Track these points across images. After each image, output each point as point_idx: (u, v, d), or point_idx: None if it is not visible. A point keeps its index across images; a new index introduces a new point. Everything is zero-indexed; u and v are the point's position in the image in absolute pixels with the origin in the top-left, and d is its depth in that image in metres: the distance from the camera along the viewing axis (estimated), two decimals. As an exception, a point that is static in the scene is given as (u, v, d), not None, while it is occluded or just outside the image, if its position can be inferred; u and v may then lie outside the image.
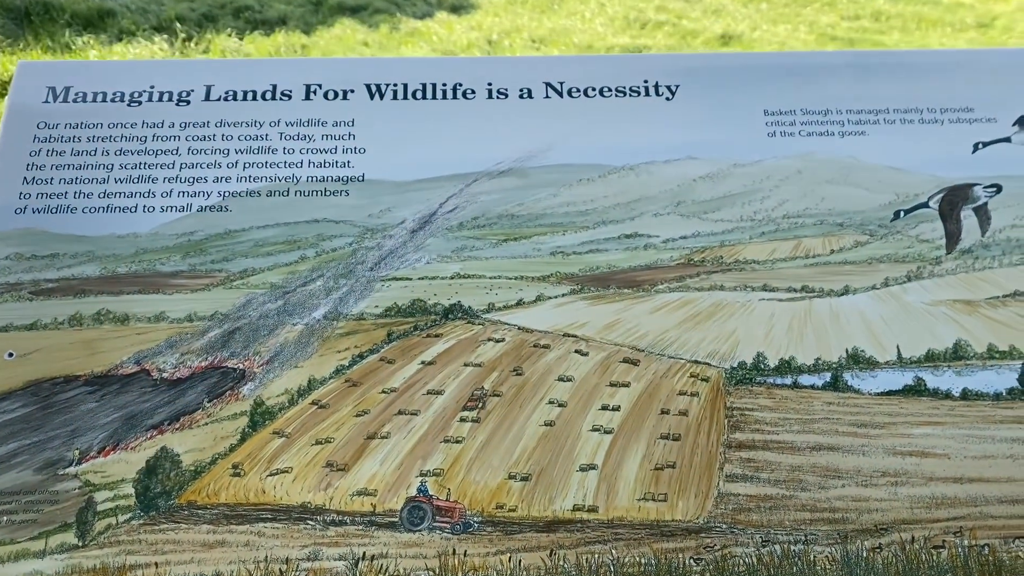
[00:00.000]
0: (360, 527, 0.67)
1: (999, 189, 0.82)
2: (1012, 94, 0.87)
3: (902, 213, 0.81)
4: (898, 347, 0.75)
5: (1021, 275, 0.79)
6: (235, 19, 5.72)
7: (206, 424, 0.71)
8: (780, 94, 0.85)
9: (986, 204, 0.82)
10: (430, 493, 0.69)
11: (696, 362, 0.75)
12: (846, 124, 0.84)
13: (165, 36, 5.18)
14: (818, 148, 0.84)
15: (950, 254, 0.81)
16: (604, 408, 0.73)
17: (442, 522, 0.68)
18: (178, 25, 5.46)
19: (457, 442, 0.71)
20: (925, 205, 0.81)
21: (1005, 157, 0.84)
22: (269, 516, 0.68)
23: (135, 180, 0.80)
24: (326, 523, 0.67)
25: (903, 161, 0.83)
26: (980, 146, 0.84)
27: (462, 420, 0.72)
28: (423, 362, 0.75)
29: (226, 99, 0.84)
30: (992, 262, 0.80)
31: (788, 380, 0.74)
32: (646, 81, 0.85)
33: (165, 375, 0.74)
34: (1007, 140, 0.84)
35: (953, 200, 0.81)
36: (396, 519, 0.67)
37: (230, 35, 5.28)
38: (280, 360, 0.74)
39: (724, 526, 0.67)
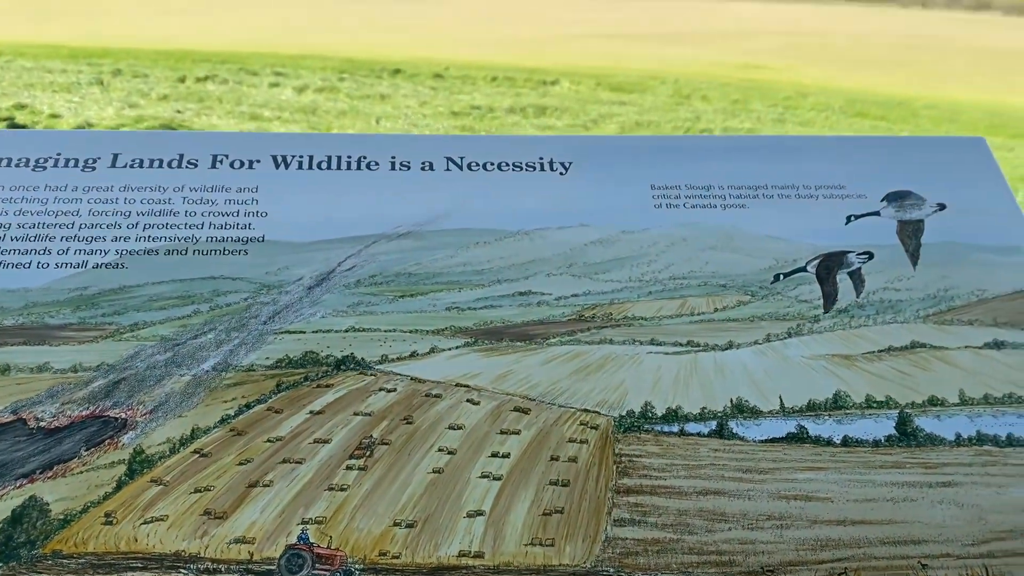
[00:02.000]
0: (236, 575, 0.64)
1: (871, 256, 0.88)
2: (879, 174, 0.95)
3: (782, 276, 0.86)
4: (781, 397, 0.77)
5: (893, 332, 0.83)
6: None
7: (81, 472, 0.69)
8: (666, 171, 0.92)
9: (860, 269, 0.87)
10: (311, 541, 0.66)
11: (586, 411, 0.76)
12: (727, 198, 0.90)
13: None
14: (702, 219, 0.89)
15: (827, 313, 0.85)
16: (494, 455, 0.73)
17: (322, 570, 0.65)
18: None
19: (342, 490, 0.69)
20: (803, 269, 0.86)
21: (876, 229, 0.90)
22: (139, 565, 0.64)
23: (32, 239, 0.81)
24: (200, 571, 0.64)
25: (781, 231, 0.89)
26: (852, 219, 0.91)
27: (348, 468, 0.71)
28: (312, 411, 0.75)
29: (132, 166, 0.87)
30: (867, 320, 0.84)
31: (675, 428, 0.75)
32: (542, 158, 0.91)
33: (43, 424, 0.72)
34: (877, 214, 0.91)
35: (829, 265, 0.86)
36: (274, 567, 0.65)
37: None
38: (164, 410, 0.73)
39: (611, 570, 0.65)
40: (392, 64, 16.84)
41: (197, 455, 0.71)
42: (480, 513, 0.68)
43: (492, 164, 0.91)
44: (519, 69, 17.48)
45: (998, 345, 0.83)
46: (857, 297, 0.86)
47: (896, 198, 0.92)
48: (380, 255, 0.83)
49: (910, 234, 0.89)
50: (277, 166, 0.88)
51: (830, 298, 0.85)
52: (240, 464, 0.71)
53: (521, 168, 0.91)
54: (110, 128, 7.61)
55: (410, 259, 0.83)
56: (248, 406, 0.74)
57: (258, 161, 0.88)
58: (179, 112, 8.86)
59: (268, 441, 0.72)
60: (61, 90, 10.91)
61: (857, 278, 0.86)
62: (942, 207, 0.92)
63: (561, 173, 0.91)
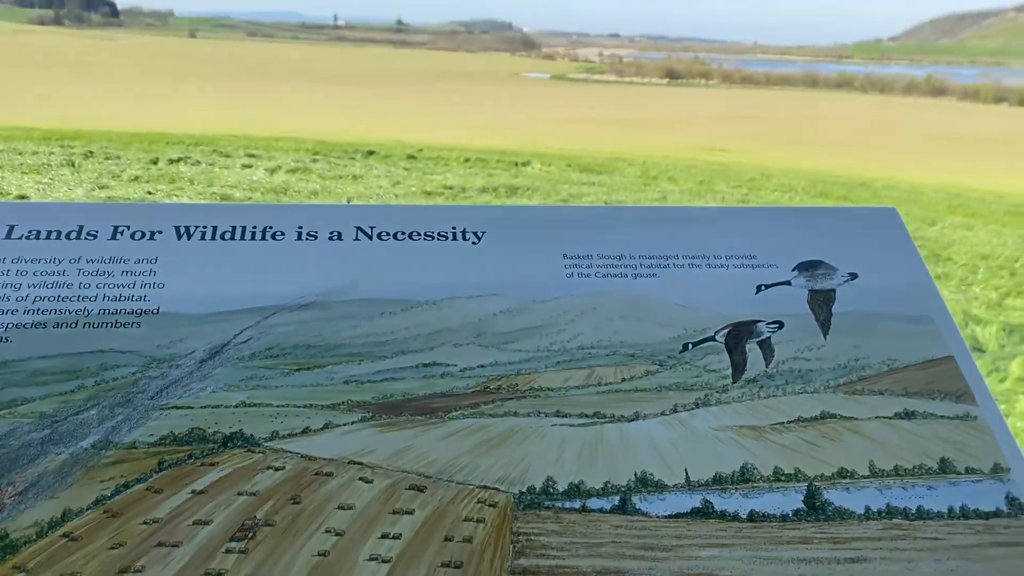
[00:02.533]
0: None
1: (781, 325, 0.87)
2: (791, 244, 0.95)
3: (690, 346, 0.85)
4: (686, 470, 0.75)
5: (803, 403, 0.82)
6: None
7: (-64, 561, 0.64)
8: (579, 241, 0.91)
9: (769, 338, 0.86)
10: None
11: (485, 487, 0.73)
12: (639, 267, 0.90)
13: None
14: (613, 288, 0.88)
15: (736, 383, 0.83)
16: (384, 536, 0.69)
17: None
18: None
19: (220, 575, 0.65)
20: (712, 339, 0.85)
21: (786, 298, 0.90)
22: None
23: None
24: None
25: (691, 300, 0.88)
26: (763, 288, 0.90)
27: (228, 552, 0.67)
28: (193, 491, 0.71)
29: (28, 238, 0.85)
30: (776, 390, 0.83)
31: (577, 504, 0.72)
32: (455, 228, 0.90)
33: (-97, 508, 0.67)
34: (788, 283, 0.91)
35: (739, 334, 0.85)
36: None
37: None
38: (36, 491, 0.69)
39: (501, 659, 0.61)
40: (366, 145, 17.10)
41: (66, 539, 0.67)
42: (365, 599, 0.64)
43: (403, 234, 0.90)
44: (491, 151, 17.82)
45: (908, 415, 0.81)
46: (766, 367, 0.84)
47: (807, 268, 0.92)
48: (279, 327, 0.80)
49: (821, 303, 0.89)
50: (180, 237, 0.86)
51: (739, 368, 0.83)
52: (111, 548, 0.66)
53: (433, 238, 0.90)
54: (79, 208, 7.58)
55: (310, 330, 0.81)
56: (126, 486, 0.70)
57: (160, 232, 0.86)
58: (150, 193, 8.88)
59: (144, 523, 0.68)
60: (31, 171, 10.94)
61: (767, 347, 0.85)
62: (853, 276, 0.92)
63: (473, 243, 0.90)
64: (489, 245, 0.89)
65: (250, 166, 12.25)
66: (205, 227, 0.87)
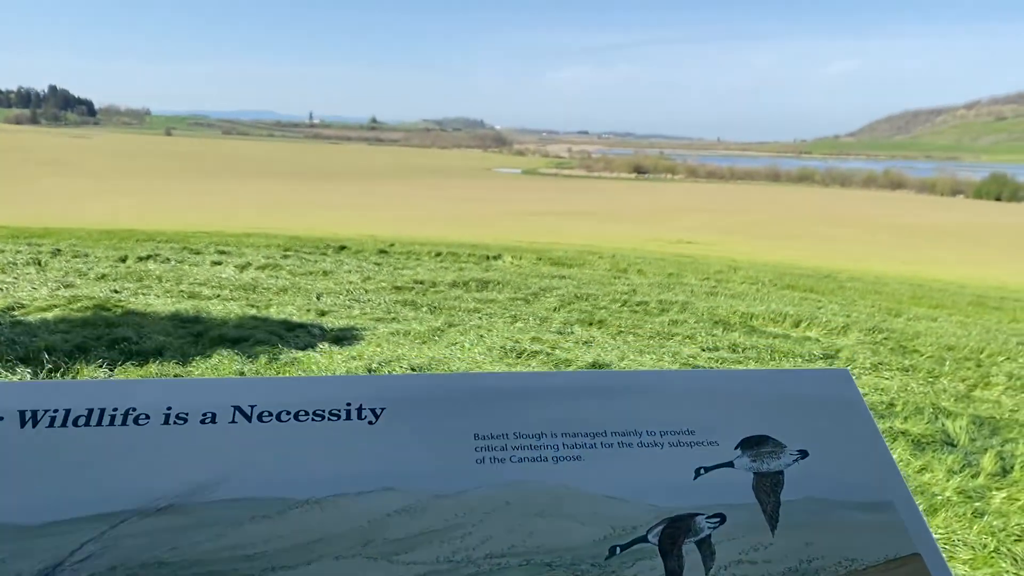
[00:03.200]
0: None
1: (723, 520, 0.75)
2: (733, 416, 0.84)
3: (618, 549, 0.72)
4: None
5: (751, 618, 0.69)
6: (109, 350, 5.66)
7: None
8: (492, 418, 0.80)
9: (709, 536, 0.74)
10: None
11: None
12: (560, 448, 0.78)
13: (29, 368, 5.01)
14: (530, 476, 0.76)
15: (671, 595, 0.71)
16: None
17: None
18: (46, 356, 5.33)
19: None
20: (644, 539, 0.73)
21: (728, 484, 0.78)
22: None
23: None
24: None
25: (620, 489, 0.76)
26: (702, 471, 0.79)
27: None
28: None
29: None
30: (718, 604, 0.70)
31: None
32: (349, 404, 0.79)
33: None
34: (730, 464, 0.80)
35: (674, 533, 0.73)
36: None
37: (100, 366, 5.17)
38: None
39: None
40: (338, 240, 17.11)
41: None
42: None
43: (288, 413, 0.78)
44: (463, 244, 17.97)
45: (872, 634, 0.69)
46: (707, 573, 0.72)
47: (751, 446, 0.81)
48: (127, 539, 0.67)
49: (768, 490, 0.78)
50: (23, 424, 0.73)
51: (674, 575, 0.71)
52: None
53: (323, 417, 0.78)
54: (41, 308, 7.34)
55: (165, 543, 0.67)
56: None
57: (1, 419, 0.74)
58: (116, 292, 8.69)
59: None
60: (-6, 270, 10.66)
61: (707, 548, 0.73)
62: (804, 455, 0.82)
63: (370, 422, 0.78)
64: (387, 424, 0.77)
65: (220, 263, 12.13)
66: (56, 411, 0.74)
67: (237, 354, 5.64)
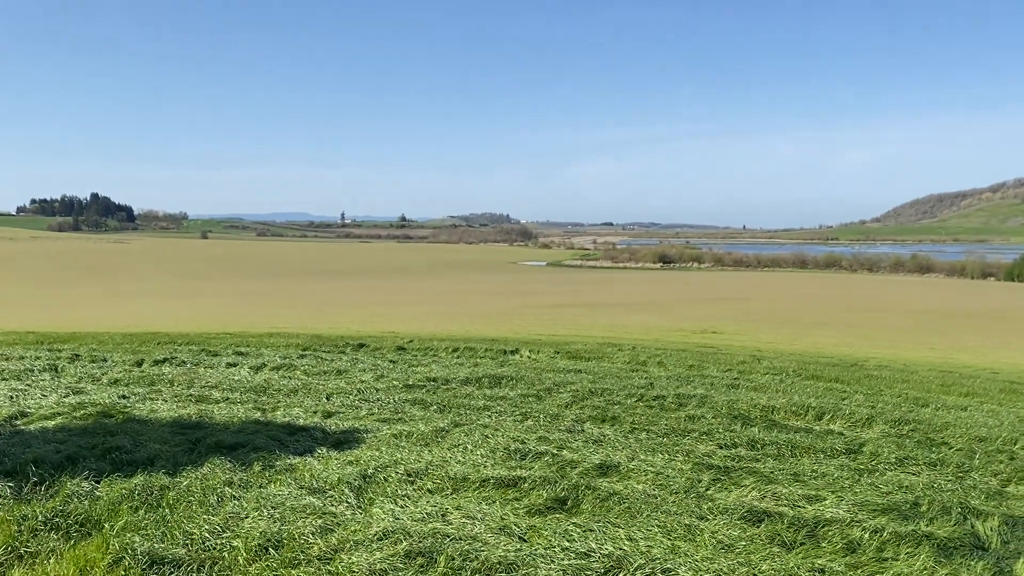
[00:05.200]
0: None
1: None
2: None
3: None
4: None
5: None
6: (100, 460, 5.51)
7: None
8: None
9: None
10: None
11: None
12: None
13: (12, 482, 4.84)
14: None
15: None
16: None
17: None
18: (32, 468, 5.18)
19: None
20: None
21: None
22: None
23: None
24: None
25: None
26: None
27: None
28: None
29: None
30: None
31: None
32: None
33: None
34: None
35: None
36: None
37: (87, 478, 5.00)
38: None
39: None
40: (358, 338, 16.99)
41: None
42: None
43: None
44: (481, 339, 17.80)
45: None
46: None
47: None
48: None
49: None
50: None
51: None
52: None
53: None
54: (44, 417, 7.25)
55: None
56: None
57: None
58: (123, 397, 8.60)
59: None
60: (11, 377, 10.69)
61: None
62: None
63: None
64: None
65: (235, 364, 12.08)
66: None
67: (230, 462, 5.48)
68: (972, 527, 4.33)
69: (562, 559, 3.66)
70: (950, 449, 6.41)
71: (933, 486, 5.22)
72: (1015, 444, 6.74)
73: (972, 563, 3.75)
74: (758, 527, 4.16)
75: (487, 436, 6.39)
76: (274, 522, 4.18)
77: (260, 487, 4.92)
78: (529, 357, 13.75)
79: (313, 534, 4.00)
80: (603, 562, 3.64)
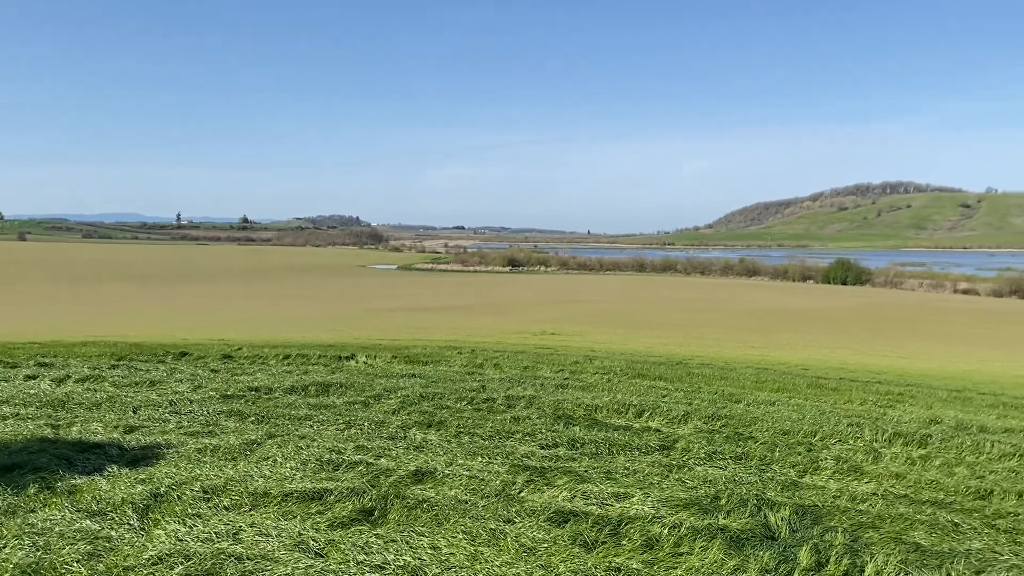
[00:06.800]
0: None
1: None
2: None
3: None
4: None
5: None
6: None
7: None
8: None
9: None
10: None
11: None
12: None
13: None
14: None
15: None
16: None
17: None
18: None
19: None
20: None
21: None
22: None
23: None
24: None
25: None
26: None
27: None
28: None
29: None
30: None
31: None
32: None
33: None
34: None
35: None
36: None
37: None
38: None
39: None
40: (181, 347, 15.81)
41: None
42: None
43: None
44: (317, 345, 17.03)
45: None
46: None
47: None
48: None
49: None
50: None
51: None
52: None
53: None
54: None
55: None
56: None
57: None
58: None
59: None
60: None
61: None
62: None
63: None
64: None
65: (35, 377, 10.89)
66: None
67: (0, 486, 4.86)
68: (765, 518, 4.51)
69: (355, 574, 3.46)
70: (756, 443, 6.73)
71: (735, 479, 5.44)
72: (814, 436, 7.18)
73: (760, 553, 3.89)
74: (563, 528, 4.13)
75: (301, 448, 6.05)
76: (35, 551, 3.72)
77: (29, 511, 4.39)
78: (364, 362, 13.36)
79: (78, 562, 3.58)
80: (398, 574, 3.47)
